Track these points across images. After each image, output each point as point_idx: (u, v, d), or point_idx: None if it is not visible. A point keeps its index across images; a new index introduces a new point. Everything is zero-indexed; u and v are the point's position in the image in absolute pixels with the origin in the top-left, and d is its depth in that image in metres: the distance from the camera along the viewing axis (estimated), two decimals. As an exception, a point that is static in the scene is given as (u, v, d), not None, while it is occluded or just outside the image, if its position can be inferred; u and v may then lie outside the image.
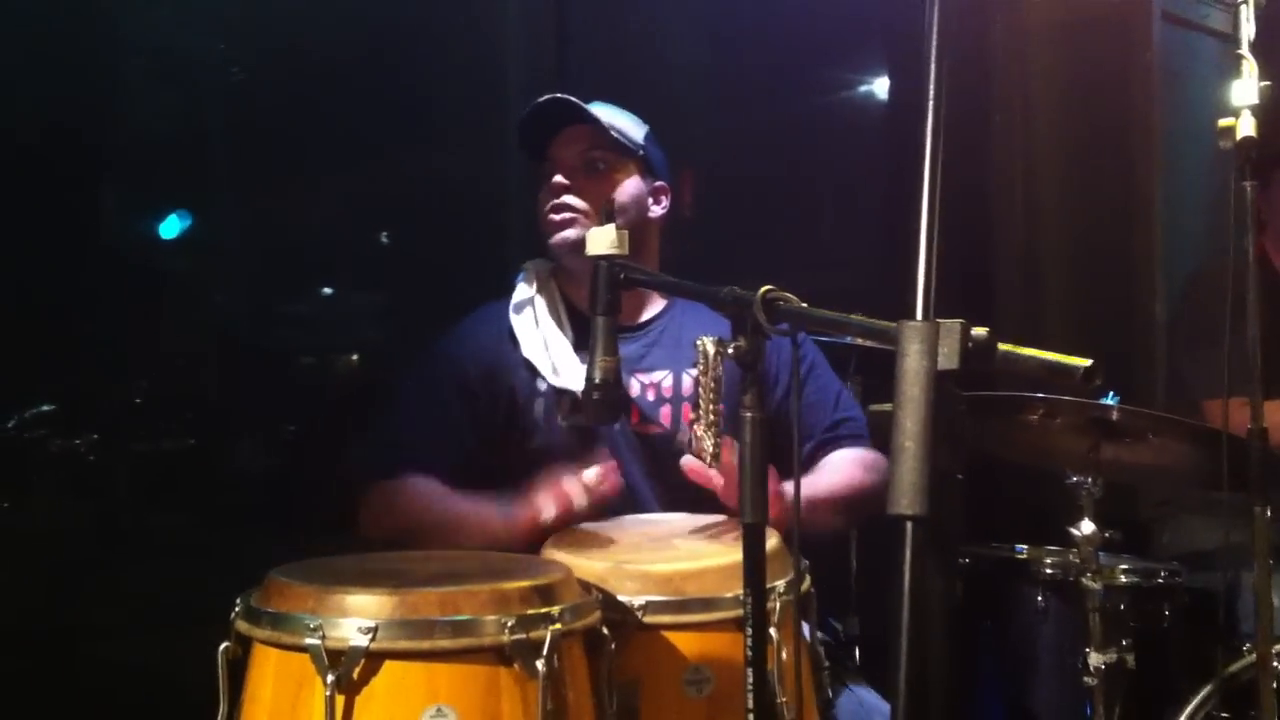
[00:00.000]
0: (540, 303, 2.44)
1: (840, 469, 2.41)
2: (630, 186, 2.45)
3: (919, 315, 1.12)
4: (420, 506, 2.29)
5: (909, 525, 1.09)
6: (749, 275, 1.65)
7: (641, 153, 2.46)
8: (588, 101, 2.44)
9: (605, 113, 2.44)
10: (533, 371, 2.39)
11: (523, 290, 2.47)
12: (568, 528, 2.13)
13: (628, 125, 2.47)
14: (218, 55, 3.57)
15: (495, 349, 2.43)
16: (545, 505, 2.14)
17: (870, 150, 4.14)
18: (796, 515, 1.68)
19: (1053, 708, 2.67)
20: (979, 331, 1.12)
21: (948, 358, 1.10)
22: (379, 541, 2.27)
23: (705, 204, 2.57)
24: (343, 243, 3.78)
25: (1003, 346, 1.21)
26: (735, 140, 3.83)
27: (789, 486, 1.71)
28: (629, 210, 2.42)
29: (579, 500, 2.14)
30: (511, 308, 2.45)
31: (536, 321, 2.42)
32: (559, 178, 2.40)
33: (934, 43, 1.19)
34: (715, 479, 2.08)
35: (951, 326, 1.10)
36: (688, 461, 2.09)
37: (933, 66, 1.18)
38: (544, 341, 2.40)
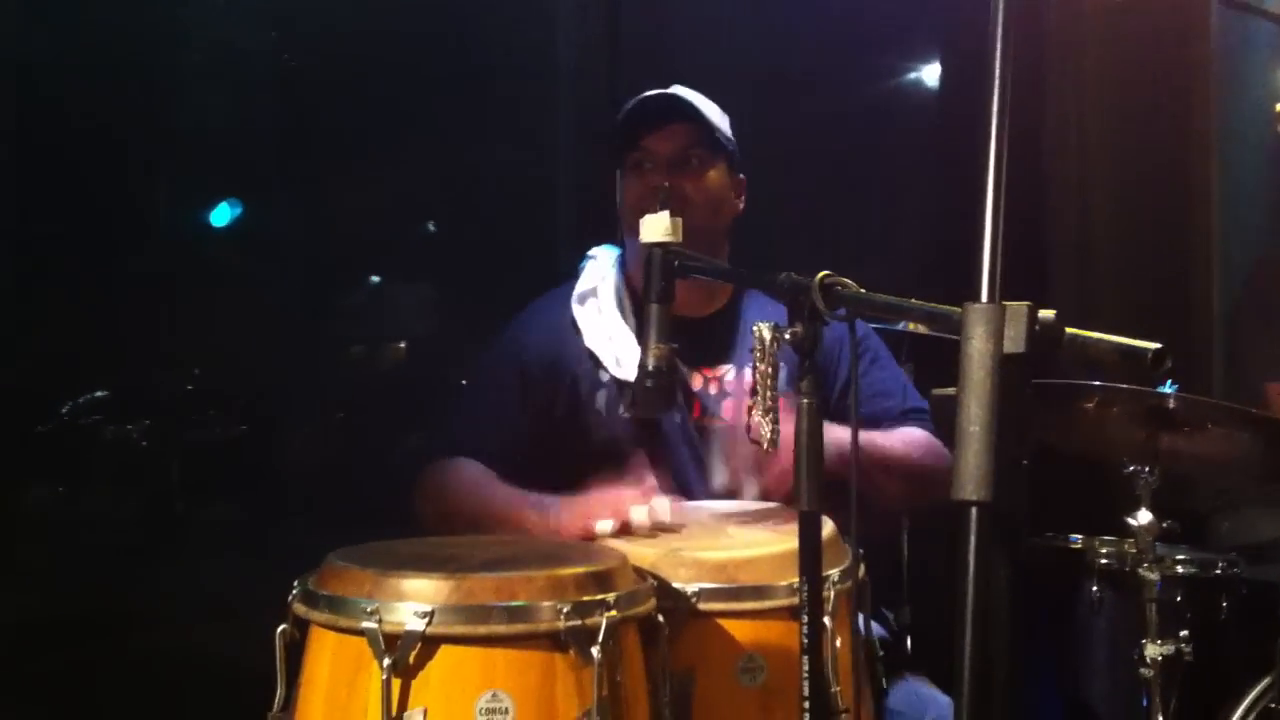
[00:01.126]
0: (604, 292, 2.43)
1: (902, 436, 2.38)
2: (721, 183, 2.42)
3: (984, 297, 1.10)
4: (462, 491, 2.29)
5: (973, 511, 1.07)
6: (798, 264, 1.64)
7: (731, 147, 2.44)
8: (666, 86, 2.42)
9: (703, 106, 2.40)
10: (595, 362, 2.38)
11: (587, 279, 2.46)
12: None
13: (721, 120, 2.44)
14: (270, 46, 3.60)
15: (558, 338, 2.42)
16: (602, 522, 2.02)
17: (921, 137, 4.11)
18: (854, 509, 1.66)
19: (1108, 699, 2.64)
20: (1046, 314, 1.10)
21: (1014, 341, 1.08)
22: (429, 525, 2.28)
23: (755, 193, 2.56)
24: (393, 232, 3.80)
25: (1070, 330, 1.19)
26: (784, 128, 3.81)
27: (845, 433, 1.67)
28: (720, 207, 2.41)
29: (639, 525, 2.03)
30: (575, 297, 2.43)
31: (600, 310, 2.41)
32: (657, 175, 2.35)
33: (1000, 22, 1.17)
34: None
35: (1018, 309, 1.08)
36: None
37: (999, 46, 1.16)
38: (607, 332, 2.39)
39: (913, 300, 1.51)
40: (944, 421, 2.38)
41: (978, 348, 1.09)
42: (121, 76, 3.30)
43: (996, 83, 1.15)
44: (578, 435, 2.36)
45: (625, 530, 2.01)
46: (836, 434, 1.63)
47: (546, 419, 2.38)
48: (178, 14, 3.45)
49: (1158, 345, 1.18)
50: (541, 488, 2.30)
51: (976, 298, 1.12)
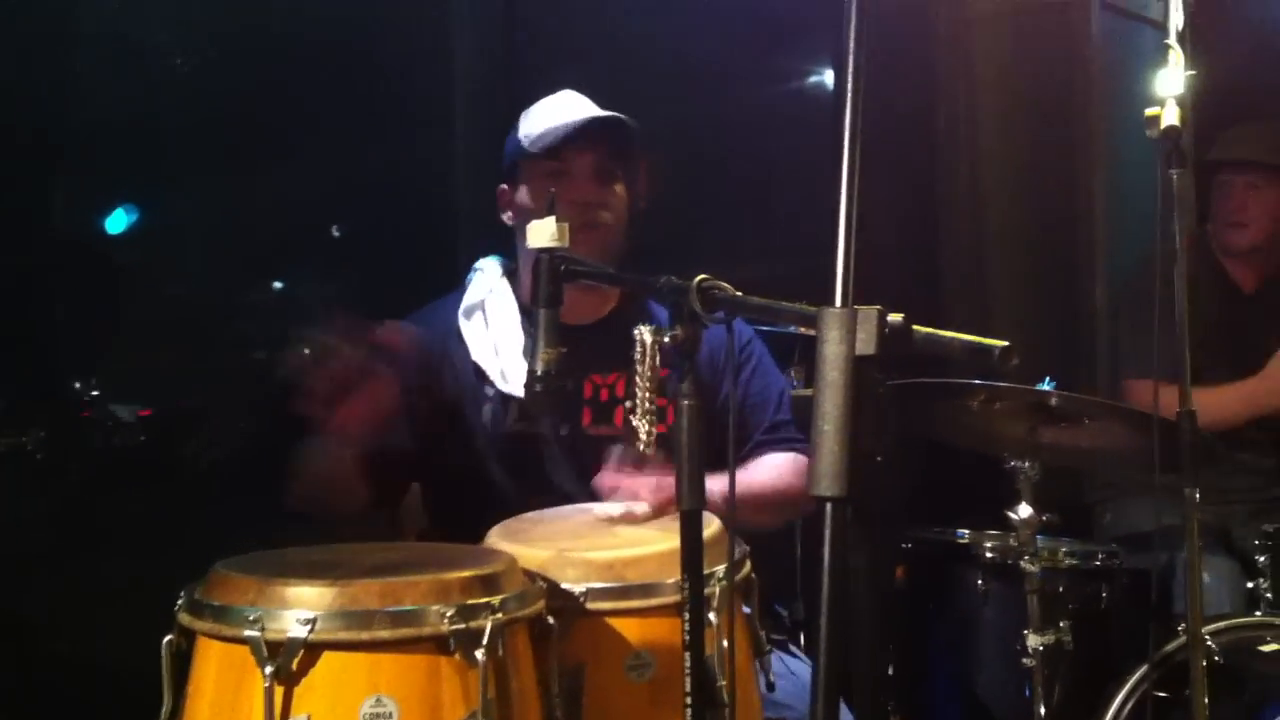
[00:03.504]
0: (494, 305, 2.44)
1: (769, 469, 2.43)
2: (623, 202, 2.45)
3: (838, 302, 1.14)
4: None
5: (829, 506, 1.11)
6: (699, 264, 1.67)
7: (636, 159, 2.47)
8: (548, 89, 2.44)
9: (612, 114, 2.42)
10: (481, 377, 2.39)
11: (475, 292, 2.46)
12: (511, 518, 2.13)
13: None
14: (167, 45, 3.55)
15: (441, 350, 2.42)
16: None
17: (820, 140, 4.16)
18: (732, 500, 1.71)
19: (995, 688, 2.71)
20: (895, 317, 1.15)
21: (865, 343, 1.13)
22: (325, 522, 2.27)
23: (656, 193, 2.59)
24: (293, 234, 3.76)
25: (923, 330, 1.24)
26: (686, 129, 3.85)
27: (718, 482, 1.73)
28: (624, 215, 2.43)
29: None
30: (461, 311, 2.44)
31: (488, 324, 2.42)
32: (583, 186, 2.37)
33: (852, 24, 1.21)
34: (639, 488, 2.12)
35: (869, 313, 1.13)
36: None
37: (850, 49, 1.21)
38: (494, 346, 2.39)
39: (784, 303, 1.55)
40: (804, 421, 2.43)
41: (832, 350, 1.14)
42: (16, 74, 3.24)
43: (850, 92, 1.20)
44: (462, 449, 2.37)
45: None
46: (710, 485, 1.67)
47: (428, 432, 2.38)
48: (75, 13, 3.39)
49: (1005, 343, 1.23)
50: (428, 498, 2.33)
51: (832, 302, 1.16)
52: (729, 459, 1.66)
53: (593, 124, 2.37)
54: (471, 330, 2.41)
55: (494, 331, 2.40)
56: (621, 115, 2.39)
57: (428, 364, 2.40)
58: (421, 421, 2.37)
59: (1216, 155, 3.40)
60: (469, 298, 2.45)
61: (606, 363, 2.41)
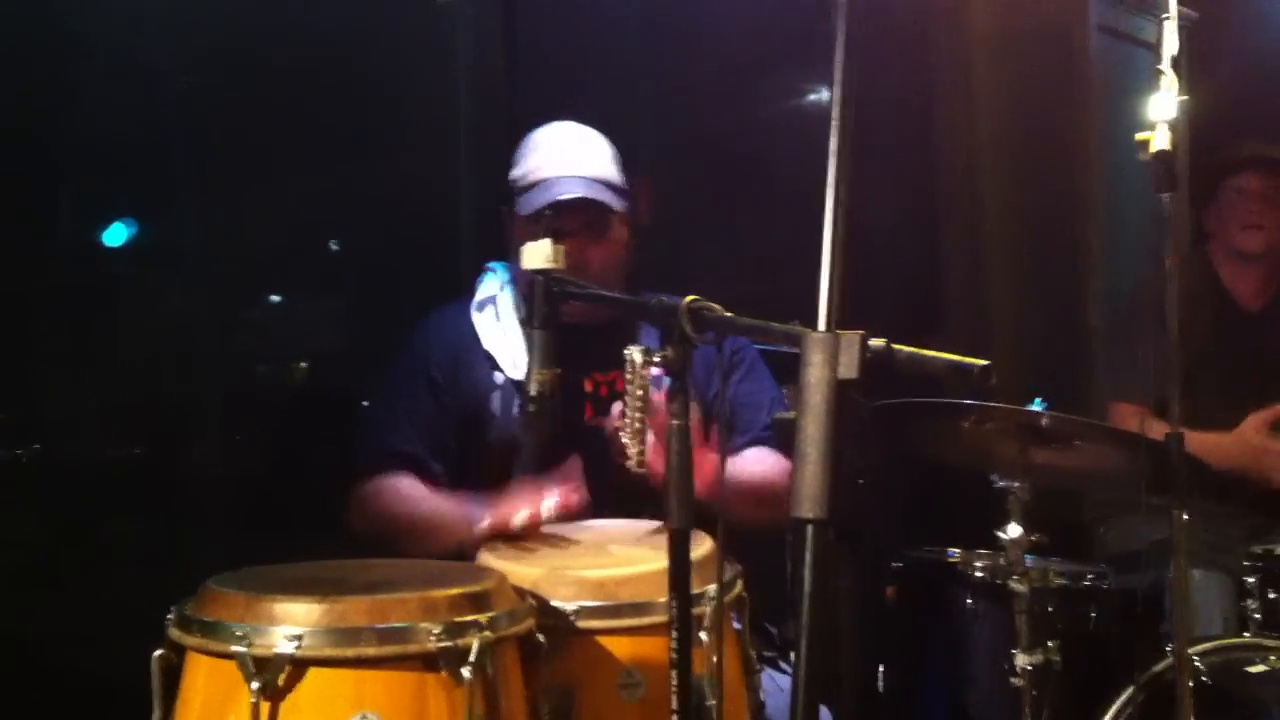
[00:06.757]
0: (503, 300, 2.53)
1: (754, 462, 2.48)
2: (619, 233, 2.52)
3: (821, 327, 1.16)
4: (399, 505, 2.39)
5: (810, 528, 1.12)
6: (703, 282, 1.68)
7: (626, 195, 2.51)
8: (554, 114, 2.49)
9: (600, 156, 2.48)
10: (492, 365, 2.48)
11: (486, 288, 2.57)
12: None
13: (616, 169, 2.51)
14: (170, 61, 3.56)
15: (457, 343, 2.52)
16: (517, 515, 2.14)
17: (822, 157, 4.15)
18: (724, 520, 1.71)
19: (984, 708, 2.71)
20: (877, 342, 1.16)
21: (848, 367, 1.14)
22: (363, 540, 2.35)
23: (659, 211, 2.62)
24: (295, 249, 3.77)
25: (905, 350, 1.25)
26: (688, 146, 3.86)
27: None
28: (621, 254, 2.51)
29: (546, 515, 2.14)
30: (474, 305, 2.54)
31: (498, 316, 2.51)
32: (572, 246, 2.39)
33: (841, 53, 1.22)
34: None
35: (851, 338, 1.14)
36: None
37: (839, 78, 1.22)
38: (504, 335, 2.49)
39: (774, 323, 1.56)
40: (786, 444, 2.44)
41: (815, 374, 1.15)
42: (18, 88, 3.26)
43: (836, 122, 1.21)
44: (476, 437, 2.46)
45: (535, 523, 2.12)
46: (700, 463, 1.68)
47: (455, 423, 2.48)
48: (77, 28, 3.41)
49: (984, 362, 1.25)
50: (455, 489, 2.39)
51: (816, 326, 1.17)
52: (720, 475, 1.67)
53: (574, 200, 2.42)
54: (483, 321, 2.52)
55: (504, 323, 2.51)
56: (606, 180, 2.45)
57: (448, 360, 2.51)
58: (451, 417, 2.48)
59: (1245, 154, 3.34)
60: (482, 293, 2.56)
61: (607, 362, 2.45)
